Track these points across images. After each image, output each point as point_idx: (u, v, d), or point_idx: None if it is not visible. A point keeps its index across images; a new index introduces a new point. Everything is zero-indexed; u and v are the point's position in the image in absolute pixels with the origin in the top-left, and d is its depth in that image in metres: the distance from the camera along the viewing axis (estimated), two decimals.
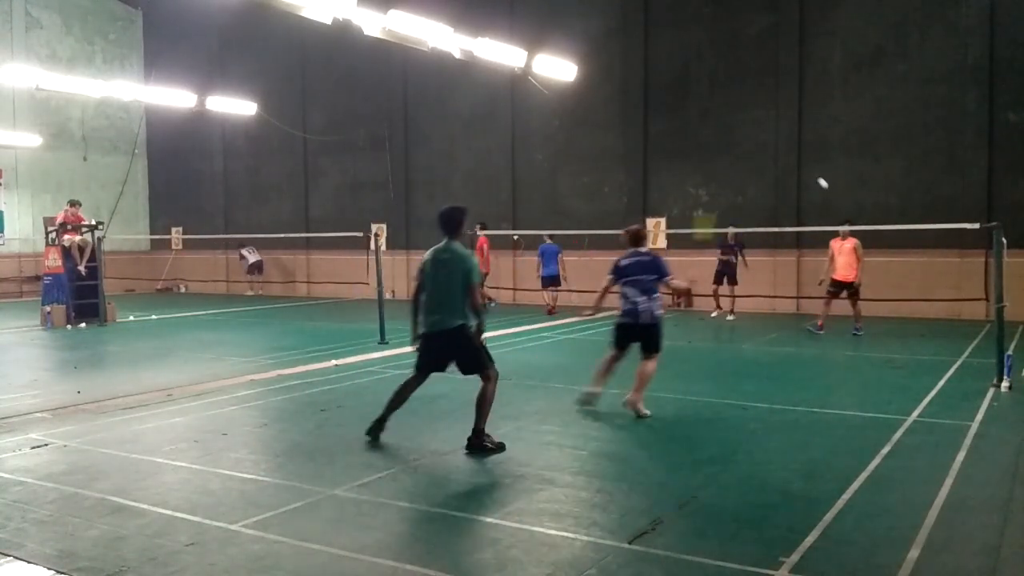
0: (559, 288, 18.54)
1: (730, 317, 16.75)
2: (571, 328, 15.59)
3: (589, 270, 19.61)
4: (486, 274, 18.14)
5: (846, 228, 13.94)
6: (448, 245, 6.96)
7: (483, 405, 6.79)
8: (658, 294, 8.06)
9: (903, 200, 16.85)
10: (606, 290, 8.26)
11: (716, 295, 17.01)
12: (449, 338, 6.82)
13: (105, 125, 26.85)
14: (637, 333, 8.08)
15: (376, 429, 7.07)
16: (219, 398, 9.07)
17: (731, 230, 16.67)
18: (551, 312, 18.24)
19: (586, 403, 8.24)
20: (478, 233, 17.94)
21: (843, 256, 13.86)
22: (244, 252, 24.87)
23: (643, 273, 8.00)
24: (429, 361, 7.05)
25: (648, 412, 7.91)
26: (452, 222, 7.05)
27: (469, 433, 6.76)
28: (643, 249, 8.26)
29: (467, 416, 7.92)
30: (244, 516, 5.19)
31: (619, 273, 8.12)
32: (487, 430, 6.77)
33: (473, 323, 6.85)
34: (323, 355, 11.93)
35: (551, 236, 18.53)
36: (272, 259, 25.47)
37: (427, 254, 7.06)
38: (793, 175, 17.94)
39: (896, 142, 17.02)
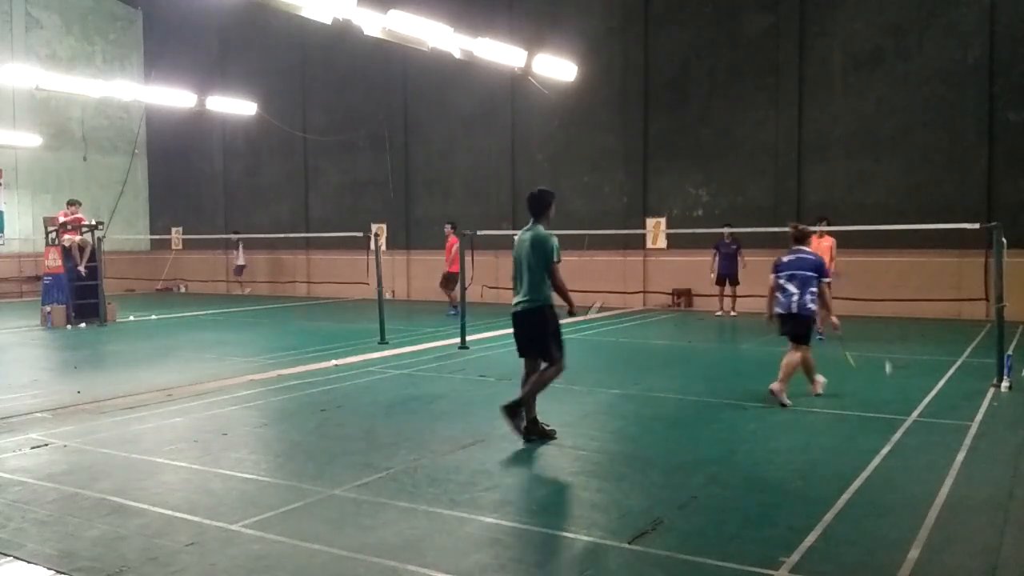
0: None
1: (733, 313, 16.85)
2: (571, 328, 15.57)
3: (589, 270, 19.66)
4: (459, 274, 18.14)
5: (822, 227, 13.70)
6: (532, 227, 7.10)
7: (534, 384, 6.96)
8: (814, 289, 8.38)
9: (903, 200, 16.85)
10: (773, 291, 8.59)
11: (721, 296, 17.11)
12: (526, 318, 7.00)
13: (105, 125, 26.85)
14: (789, 322, 8.47)
15: (531, 431, 7.02)
16: (219, 398, 9.07)
17: (726, 230, 16.62)
18: None
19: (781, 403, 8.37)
20: (448, 233, 18.02)
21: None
22: (240, 247, 24.98)
23: (802, 269, 8.41)
24: (517, 340, 7.16)
25: (789, 402, 8.26)
26: (540, 205, 7.16)
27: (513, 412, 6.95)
28: (806, 248, 8.69)
29: (467, 416, 7.92)
30: (244, 516, 5.19)
31: (780, 268, 8.56)
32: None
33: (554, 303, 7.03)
34: (323, 355, 11.92)
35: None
36: (272, 259, 25.48)
37: (518, 235, 7.24)
38: (793, 175, 17.94)
39: (896, 142, 17.02)
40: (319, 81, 24.41)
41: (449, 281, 17.98)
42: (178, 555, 4.58)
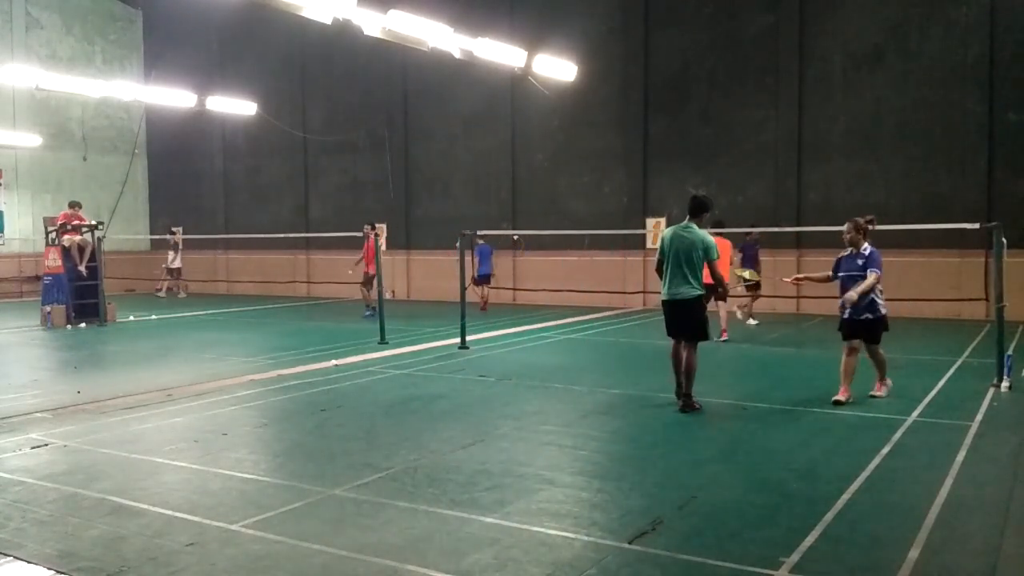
0: (490, 285, 19.04)
1: (740, 316, 16.58)
2: (572, 328, 15.59)
3: (590, 271, 19.68)
4: (375, 275, 18.05)
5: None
6: (688, 225, 8.08)
7: (691, 374, 8.02)
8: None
9: (903, 200, 16.84)
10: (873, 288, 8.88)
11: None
12: (684, 306, 8.02)
13: (105, 125, 26.84)
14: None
15: (681, 397, 8.10)
16: (219, 398, 9.07)
17: (756, 230, 15.93)
18: (485, 309, 18.46)
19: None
20: (367, 233, 17.71)
21: None
22: (179, 248, 24.60)
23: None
24: (671, 324, 8.21)
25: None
26: (700, 208, 8.16)
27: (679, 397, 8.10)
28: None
29: (467, 416, 7.93)
30: (244, 516, 5.19)
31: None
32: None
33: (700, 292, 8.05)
34: (323, 355, 11.92)
35: (483, 237, 18.51)
36: (271, 259, 25.45)
37: (667, 231, 8.18)
38: (793, 175, 17.93)
39: (896, 142, 17.01)
40: (319, 81, 24.40)
41: (367, 282, 17.58)
42: (178, 555, 4.58)
